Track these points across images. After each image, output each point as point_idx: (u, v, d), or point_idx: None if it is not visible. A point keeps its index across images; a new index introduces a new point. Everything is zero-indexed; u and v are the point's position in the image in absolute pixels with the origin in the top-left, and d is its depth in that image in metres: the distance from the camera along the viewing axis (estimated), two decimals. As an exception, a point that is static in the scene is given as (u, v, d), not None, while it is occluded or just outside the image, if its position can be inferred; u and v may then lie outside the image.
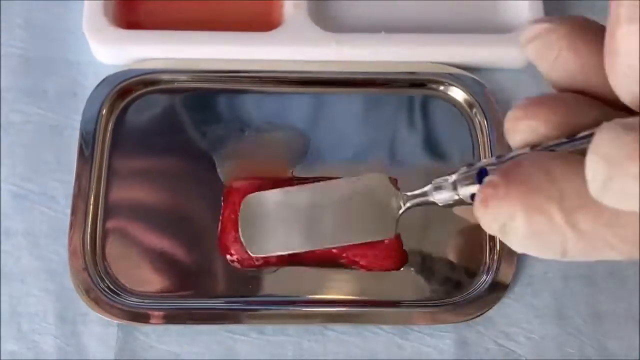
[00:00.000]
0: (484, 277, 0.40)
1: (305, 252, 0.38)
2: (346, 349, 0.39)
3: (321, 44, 0.44)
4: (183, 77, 0.44)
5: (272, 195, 0.38)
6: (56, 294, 0.39)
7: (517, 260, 0.40)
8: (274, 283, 0.39)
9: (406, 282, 0.40)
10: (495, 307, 0.39)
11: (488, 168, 0.27)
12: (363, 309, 0.39)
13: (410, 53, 0.44)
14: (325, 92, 0.44)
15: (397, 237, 0.40)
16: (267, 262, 0.39)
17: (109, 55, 0.44)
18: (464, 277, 0.40)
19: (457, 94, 0.44)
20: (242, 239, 0.37)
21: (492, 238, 0.40)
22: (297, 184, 0.40)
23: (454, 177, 0.30)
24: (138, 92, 0.43)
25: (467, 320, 0.39)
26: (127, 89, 0.43)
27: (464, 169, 0.29)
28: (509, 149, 0.25)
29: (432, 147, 0.43)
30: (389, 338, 0.39)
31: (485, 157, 0.42)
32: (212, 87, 0.44)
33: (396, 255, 0.40)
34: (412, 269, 0.40)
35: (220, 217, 0.40)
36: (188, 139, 0.42)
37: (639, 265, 0.41)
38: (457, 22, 0.46)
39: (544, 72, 0.24)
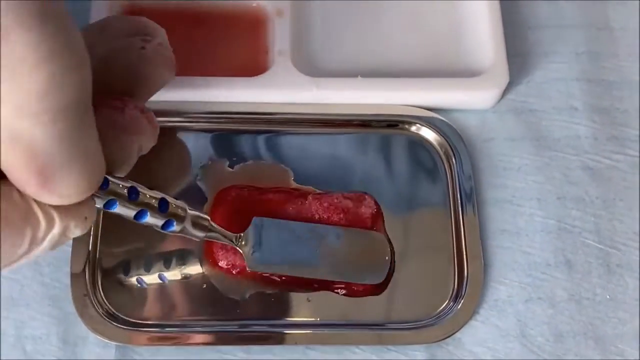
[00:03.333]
0: (453, 301, 0.43)
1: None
2: (326, 368, 0.42)
3: (303, 88, 0.47)
4: (176, 119, 0.47)
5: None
6: (58, 318, 0.42)
7: (483, 285, 0.43)
8: (260, 307, 0.42)
9: (383, 306, 0.43)
10: (463, 329, 0.42)
11: None
12: (343, 331, 0.42)
13: (385, 96, 0.47)
14: (306, 133, 0.47)
15: None
16: (245, 274, 0.42)
17: (108, 99, 0.47)
18: (435, 301, 0.43)
19: (428, 134, 0.47)
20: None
21: (461, 266, 0.44)
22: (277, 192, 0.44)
23: None
24: (135, 133, 0.46)
25: (438, 341, 0.42)
26: (125, 130, 0.46)
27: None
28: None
29: (406, 182, 0.46)
30: (367, 357, 0.42)
31: (453, 190, 0.46)
32: (202, 128, 0.47)
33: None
34: (388, 294, 0.43)
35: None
36: (181, 175, 0.45)
37: (595, 289, 0.44)
38: (427, 67, 0.49)
39: None
